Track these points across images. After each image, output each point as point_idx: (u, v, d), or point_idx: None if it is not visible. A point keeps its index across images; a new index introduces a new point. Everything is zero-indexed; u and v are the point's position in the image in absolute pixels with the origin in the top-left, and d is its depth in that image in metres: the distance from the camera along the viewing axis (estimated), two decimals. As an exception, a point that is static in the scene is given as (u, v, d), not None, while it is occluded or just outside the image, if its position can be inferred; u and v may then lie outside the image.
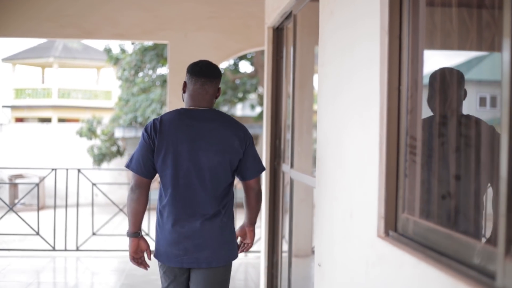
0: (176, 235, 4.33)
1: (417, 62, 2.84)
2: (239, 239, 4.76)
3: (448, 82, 3.21)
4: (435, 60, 3.23)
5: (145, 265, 4.51)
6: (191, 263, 4.35)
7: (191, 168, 4.32)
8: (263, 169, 4.56)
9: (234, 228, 4.48)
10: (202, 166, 4.33)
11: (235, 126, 4.44)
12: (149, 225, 11.06)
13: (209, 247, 4.33)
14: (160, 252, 4.42)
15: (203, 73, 4.42)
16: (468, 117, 3.25)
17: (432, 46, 3.11)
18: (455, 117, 3.29)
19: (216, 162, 4.34)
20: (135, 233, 4.43)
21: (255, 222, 4.70)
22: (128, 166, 4.42)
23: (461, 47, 3.08)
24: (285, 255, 6.27)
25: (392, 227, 2.91)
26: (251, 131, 19.04)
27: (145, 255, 4.74)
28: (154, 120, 4.42)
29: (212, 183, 4.35)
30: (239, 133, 4.42)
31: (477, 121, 3.13)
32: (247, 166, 4.48)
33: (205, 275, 4.38)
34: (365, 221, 3.12)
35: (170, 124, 4.36)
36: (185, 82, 4.47)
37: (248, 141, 4.46)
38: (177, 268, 4.41)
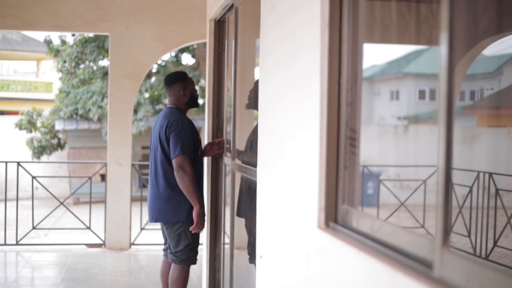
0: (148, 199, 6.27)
1: (357, 55, 2.87)
2: None
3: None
4: (375, 53, 3.27)
5: None
6: (151, 219, 6.22)
7: (151, 149, 6.19)
8: (176, 155, 5.87)
9: (174, 198, 5.97)
10: (152, 148, 6.16)
11: (168, 118, 6.02)
12: (90, 217, 10.97)
13: (155, 209, 6.06)
14: None
15: (164, 82, 6.38)
16: None
17: (372, 39, 3.14)
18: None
19: (156, 145, 6.06)
20: None
21: (194, 203, 5.93)
22: None
23: (400, 40, 3.13)
24: (227, 247, 6.28)
25: (333, 218, 2.94)
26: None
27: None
28: None
29: (156, 161, 6.06)
30: (167, 123, 5.97)
31: None
32: (170, 149, 5.94)
33: (163, 227, 6.20)
34: (306, 212, 3.15)
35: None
36: None
37: (171, 129, 5.93)
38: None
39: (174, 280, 6.10)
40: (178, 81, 6.19)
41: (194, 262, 6.13)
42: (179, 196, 5.96)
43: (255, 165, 4.57)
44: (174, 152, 5.89)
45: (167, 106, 6.26)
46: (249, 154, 5.63)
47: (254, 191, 4.94)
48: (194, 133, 6.05)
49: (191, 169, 5.89)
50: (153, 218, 6.13)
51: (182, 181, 5.87)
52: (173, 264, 6.14)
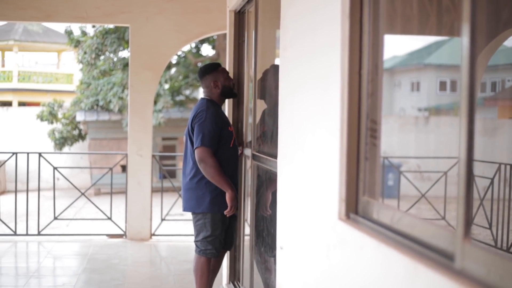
0: None
1: (377, 46, 2.86)
2: None
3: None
4: (395, 44, 3.26)
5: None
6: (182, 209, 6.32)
7: (185, 141, 6.27)
8: (197, 146, 5.96)
9: (199, 189, 6.06)
10: (185, 139, 6.27)
11: (196, 110, 6.12)
12: (111, 208, 11.00)
13: (184, 199, 6.20)
14: None
15: (197, 74, 6.61)
16: None
17: (393, 31, 3.13)
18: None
19: (187, 136, 6.15)
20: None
21: (225, 189, 6.01)
22: None
23: (421, 32, 3.11)
24: (247, 238, 6.29)
25: (353, 209, 2.94)
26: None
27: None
28: None
29: (186, 152, 6.19)
30: (194, 115, 6.07)
31: None
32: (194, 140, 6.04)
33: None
34: (326, 204, 3.15)
35: None
36: None
37: (195, 121, 6.01)
38: None
39: (194, 270, 6.22)
40: (208, 73, 6.27)
41: (213, 255, 6.15)
42: (204, 187, 6.07)
43: (274, 156, 4.57)
44: (195, 143, 5.97)
45: (201, 97, 6.35)
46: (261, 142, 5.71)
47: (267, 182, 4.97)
48: (220, 125, 6.06)
49: (213, 159, 5.94)
50: (183, 207, 6.27)
51: (205, 173, 5.98)
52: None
